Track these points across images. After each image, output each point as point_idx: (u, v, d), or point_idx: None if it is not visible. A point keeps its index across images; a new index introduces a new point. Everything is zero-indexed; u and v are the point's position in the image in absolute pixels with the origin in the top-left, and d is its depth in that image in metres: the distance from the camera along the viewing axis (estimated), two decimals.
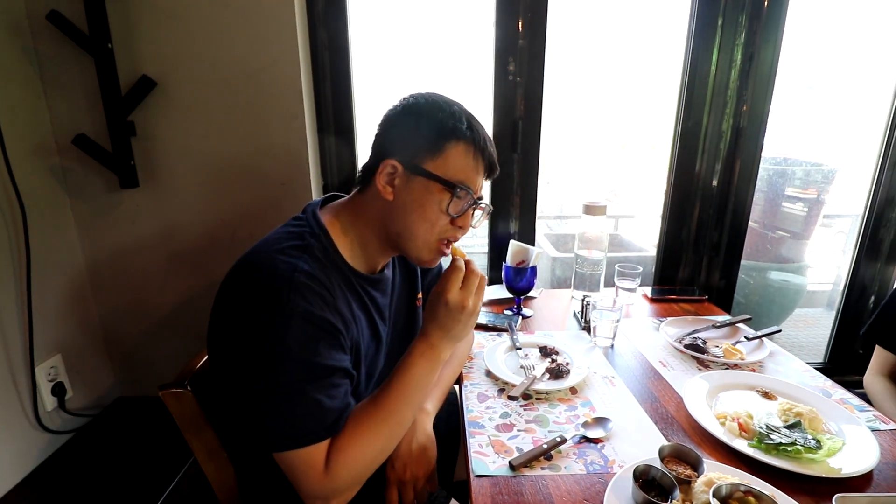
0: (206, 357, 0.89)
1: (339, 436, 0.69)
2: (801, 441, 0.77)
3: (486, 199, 0.85)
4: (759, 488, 0.65)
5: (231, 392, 0.72)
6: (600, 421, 0.86)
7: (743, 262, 1.64)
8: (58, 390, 1.34)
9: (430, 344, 0.77)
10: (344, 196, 0.87)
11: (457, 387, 1.03)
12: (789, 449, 0.76)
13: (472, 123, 0.77)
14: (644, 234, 2.34)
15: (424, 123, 0.76)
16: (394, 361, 0.86)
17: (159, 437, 1.42)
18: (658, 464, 0.70)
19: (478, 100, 1.51)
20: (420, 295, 1.02)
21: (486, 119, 1.48)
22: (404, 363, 0.76)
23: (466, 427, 0.86)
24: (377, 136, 0.81)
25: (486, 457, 0.79)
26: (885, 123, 1.54)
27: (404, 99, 0.80)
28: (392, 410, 0.73)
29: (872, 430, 0.83)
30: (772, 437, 0.78)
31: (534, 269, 1.32)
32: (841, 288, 1.76)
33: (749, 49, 1.44)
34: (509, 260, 1.35)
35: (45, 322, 1.30)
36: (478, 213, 0.84)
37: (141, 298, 1.47)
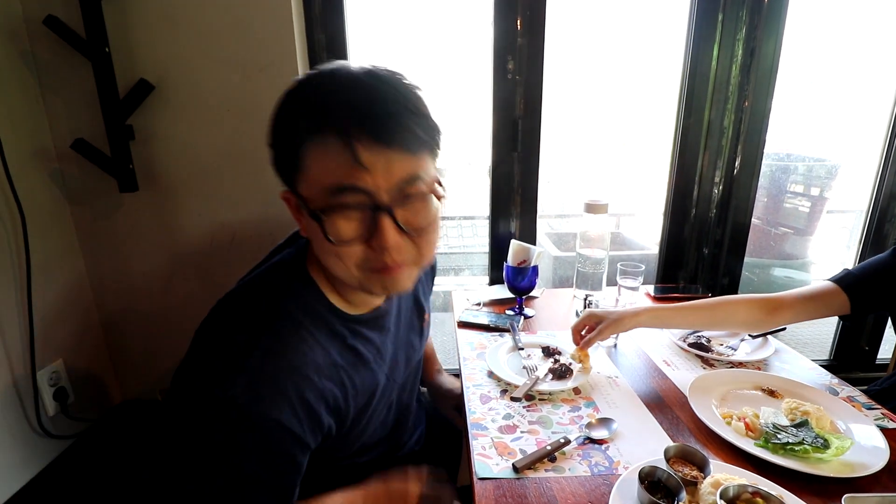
0: None
1: None
2: (809, 440, 0.76)
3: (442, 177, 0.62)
4: (766, 489, 0.64)
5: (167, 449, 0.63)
6: (604, 422, 0.85)
7: (746, 259, 1.62)
8: (60, 395, 1.34)
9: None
10: None
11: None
12: (797, 448, 0.75)
13: (330, 98, 0.54)
14: (646, 232, 2.33)
15: (277, 130, 0.59)
16: (391, 393, 0.82)
17: (163, 440, 1.41)
18: (664, 465, 0.69)
19: (477, 99, 1.50)
20: (427, 316, 0.93)
21: (485, 118, 1.48)
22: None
23: (469, 429, 0.86)
24: None
25: (489, 459, 0.78)
26: (889, 117, 1.53)
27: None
28: None
29: (881, 429, 0.82)
30: (779, 436, 0.77)
31: (535, 268, 1.31)
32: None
33: (750, 44, 1.43)
34: (510, 259, 1.34)
35: (46, 327, 1.29)
36: (433, 201, 0.60)
37: (142, 302, 1.46)
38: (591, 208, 1.37)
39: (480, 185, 1.59)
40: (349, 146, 0.52)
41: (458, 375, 1.07)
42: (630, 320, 1.01)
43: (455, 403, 1.07)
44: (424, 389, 1.18)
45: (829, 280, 1.02)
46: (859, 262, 1.64)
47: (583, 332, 1.04)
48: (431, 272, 1.00)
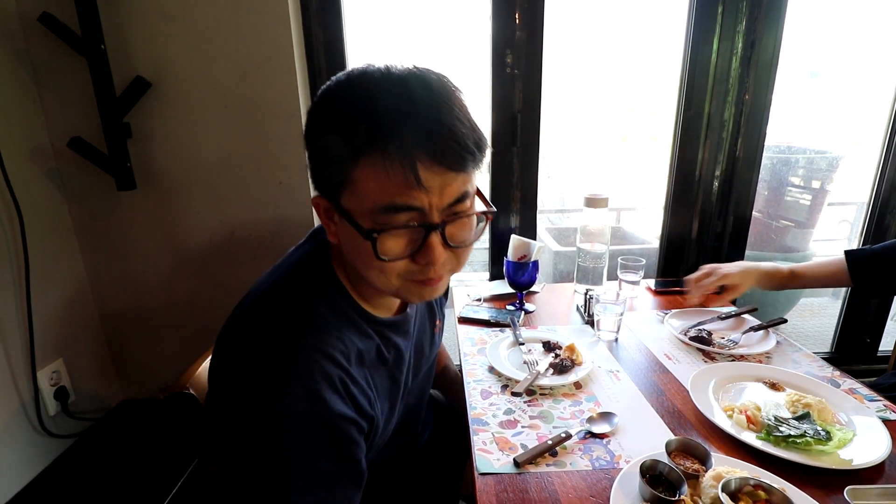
0: (209, 359, 0.88)
1: None
2: (811, 432, 0.76)
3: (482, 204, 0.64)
4: (768, 482, 0.63)
5: (223, 449, 0.59)
6: (605, 416, 0.85)
7: (747, 252, 1.62)
8: (60, 395, 1.34)
9: None
10: None
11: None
12: (799, 441, 0.75)
13: (382, 115, 0.51)
14: (646, 226, 2.32)
15: (325, 142, 0.54)
16: (405, 399, 0.80)
17: (164, 439, 1.42)
18: (665, 458, 0.69)
19: (476, 94, 1.49)
20: (438, 322, 0.93)
21: (484, 113, 1.47)
22: None
23: (470, 424, 0.85)
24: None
25: (490, 454, 0.78)
26: (890, 109, 1.52)
27: (318, 97, 0.58)
28: None
29: (883, 420, 0.82)
30: (780, 429, 0.77)
31: (535, 263, 1.31)
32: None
33: (750, 36, 1.42)
34: (510, 255, 1.34)
35: (45, 327, 1.29)
36: (459, 229, 0.59)
37: (142, 300, 1.46)
38: (592, 202, 1.36)
39: (480, 181, 1.58)
40: (410, 168, 0.50)
41: (459, 371, 1.06)
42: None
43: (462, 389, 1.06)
44: (433, 391, 1.18)
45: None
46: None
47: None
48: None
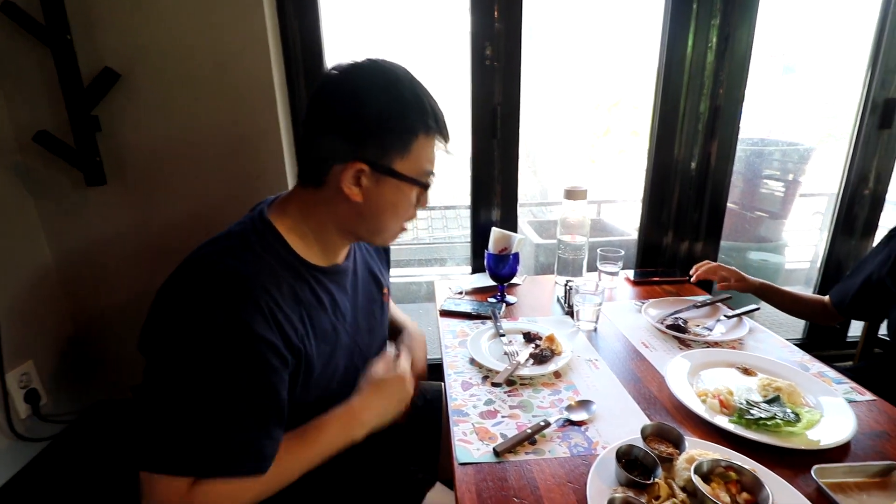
0: None
1: (223, 485, 0.64)
2: (781, 415, 0.78)
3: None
4: (739, 463, 0.65)
5: (148, 394, 0.66)
6: (584, 404, 0.86)
7: (723, 242, 1.66)
8: (31, 397, 1.30)
9: (354, 412, 0.76)
10: None
11: (441, 384, 1.02)
12: (769, 423, 0.77)
13: (436, 111, 0.74)
14: (626, 218, 2.36)
15: (391, 118, 0.69)
16: (358, 361, 0.86)
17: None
18: (640, 443, 0.70)
19: (456, 87, 1.49)
20: (386, 290, 0.99)
21: (464, 106, 1.46)
22: (318, 421, 0.74)
23: (450, 415, 0.86)
24: (325, 124, 0.70)
25: (470, 444, 0.78)
26: (858, 102, 1.56)
27: (352, 81, 0.70)
28: (286, 467, 0.69)
29: (849, 402, 0.85)
30: (752, 412, 0.79)
31: (516, 255, 1.31)
32: (818, 265, 1.79)
33: (724, 30, 1.44)
34: (491, 247, 1.35)
35: (13, 327, 1.25)
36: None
37: (116, 299, 1.42)
38: (571, 194, 1.37)
39: (461, 175, 1.58)
40: (441, 142, 0.76)
41: (440, 365, 1.06)
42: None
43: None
44: None
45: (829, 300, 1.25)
46: (830, 244, 1.69)
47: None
48: (385, 251, 1.04)
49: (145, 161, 1.31)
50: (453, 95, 1.52)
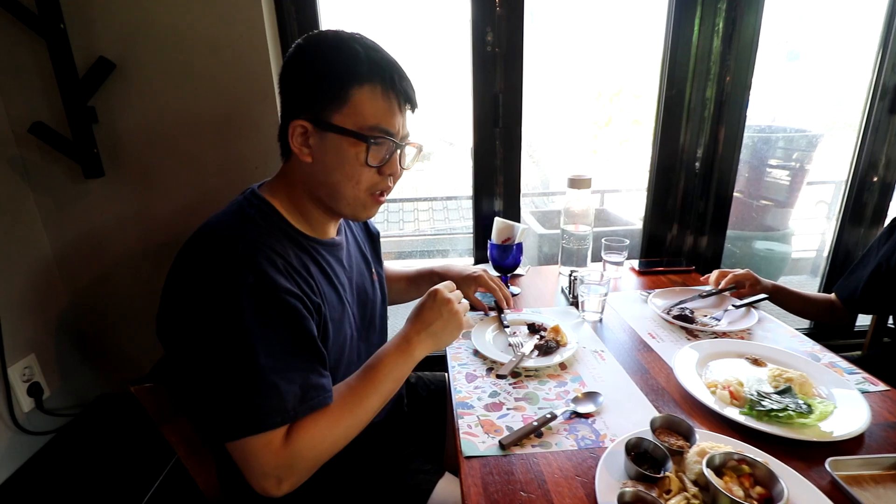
0: None
1: (311, 418, 0.67)
2: (793, 406, 0.76)
3: (415, 137, 0.81)
4: (752, 456, 0.64)
5: (187, 381, 0.68)
6: (590, 395, 0.84)
7: (728, 231, 1.63)
8: (34, 391, 1.29)
9: (407, 337, 0.79)
10: None
11: (446, 374, 1.01)
12: (781, 415, 0.75)
13: (374, 60, 0.71)
14: (630, 208, 2.33)
15: (321, 72, 0.70)
16: (356, 332, 0.87)
17: (144, 433, 1.38)
18: (650, 436, 0.69)
19: (457, 77, 1.46)
20: (375, 271, 1.00)
21: (465, 93, 1.44)
22: (378, 353, 0.77)
23: (455, 408, 0.84)
24: (280, 94, 0.75)
25: (475, 437, 0.77)
26: (868, 87, 1.53)
27: (297, 45, 0.73)
28: (359, 399, 0.72)
29: (862, 392, 0.83)
30: (763, 403, 0.78)
31: (520, 245, 1.29)
32: (825, 254, 1.77)
33: (731, 14, 1.41)
34: (494, 237, 1.33)
35: (15, 321, 1.24)
36: (409, 153, 0.81)
37: (116, 292, 1.41)
38: (575, 183, 1.35)
39: (463, 166, 1.56)
40: (395, 98, 0.72)
41: (443, 357, 1.05)
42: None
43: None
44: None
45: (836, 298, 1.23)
46: (839, 233, 1.66)
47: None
48: (371, 234, 1.04)
49: (143, 152, 1.29)
50: (455, 85, 1.49)
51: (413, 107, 0.77)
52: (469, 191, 1.58)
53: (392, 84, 0.71)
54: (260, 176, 1.32)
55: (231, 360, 0.62)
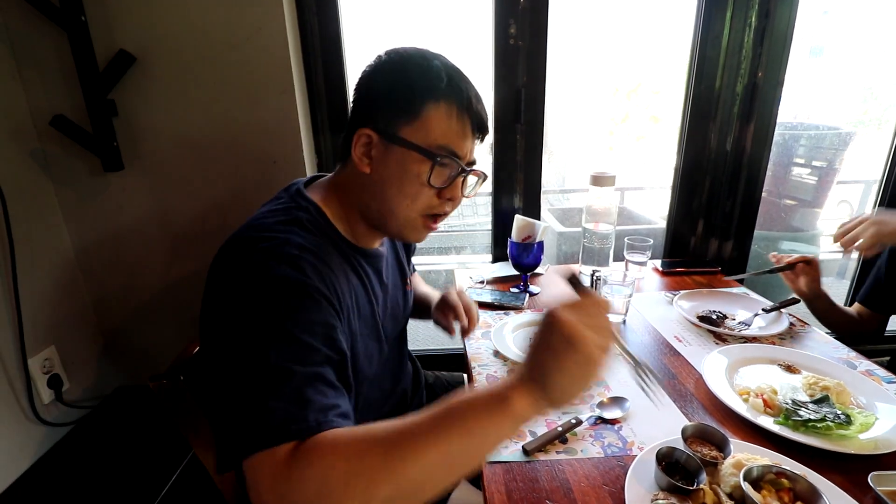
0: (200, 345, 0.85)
1: (330, 436, 0.50)
2: (831, 416, 0.73)
3: (480, 165, 0.78)
4: (792, 469, 0.60)
5: (215, 382, 0.61)
6: (616, 401, 0.82)
7: (755, 231, 1.58)
8: (54, 382, 1.30)
9: (510, 384, 0.51)
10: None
11: (465, 375, 0.98)
12: (819, 425, 0.72)
13: (453, 79, 0.69)
14: (651, 206, 2.28)
15: (398, 84, 0.68)
16: (384, 346, 0.84)
17: (162, 426, 1.39)
18: (681, 445, 0.66)
19: (478, 70, 1.43)
20: (409, 280, 0.98)
21: (486, 87, 1.41)
22: (460, 397, 0.52)
23: None
24: (353, 101, 0.74)
25: None
26: None
27: (378, 57, 0.72)
28: (406, 440, 0.48)
29: None
30: (799, 412, 0.74)
31: (541, 244, 1.27)
32: (854, 255, 1.70)
33: (765, 6, 1.35)
34: (514, 236, 1.30)
35: (35, 313, 1.25)
36: (470, 180, 0.77)
37: (135, 285, 1.42)
38: (598, 181, 1.32)
39: (483, 160, 1.53)
40: (469, 122, 0.70)
41: (462, 355, 1.03)
42: None
43: (435, 304, 1.05)
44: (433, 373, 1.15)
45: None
46: None
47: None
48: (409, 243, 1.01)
49: (162, 146, 1.29)
50: (476, 77, 1.45)
51: (483, 135, 0.74)
52: (487, 187, 1.55)
53: (468, 107, 0.69)
54: (279, 170, 1.32)
55: (241, 357, 0.55)
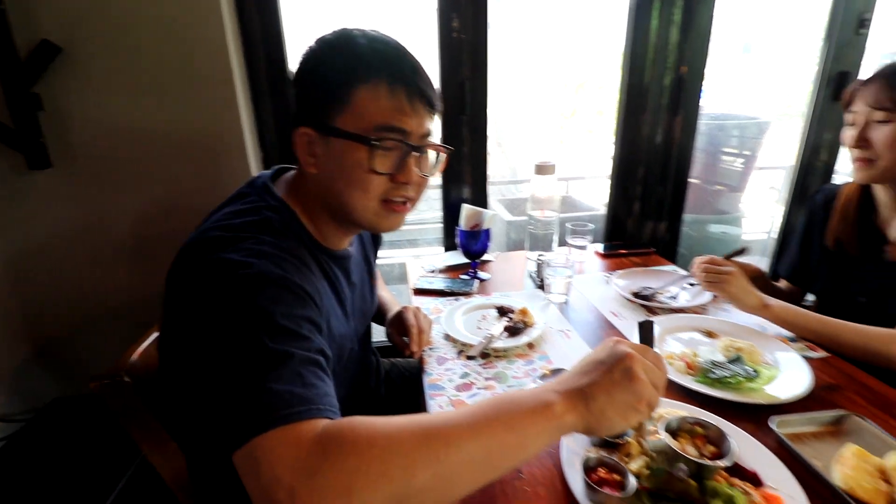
0: (144, 346, 0.83)
1: (366, 421, 0.47)
2: (742, 373, 0.82)
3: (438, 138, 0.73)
4: (704, 419, 0.68)
5: (190, 384, 0.61)
6: (557, 372, 0.87)
7: (686, 216, 1.70)
8: None
9: (565, 392, 0.51)
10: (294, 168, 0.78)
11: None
12: (731, 381, 0.80)
13: (380, 54, 0.65)
14: (594, 194, 2.40)
15: (324, 74, 0.65)
16: (353, 344, 0.84)
17: (104, 435, 1.33)
18: None
19: (425, 60, 1.45)
20: (376, 272, 0.99)
21: (432, 80, 1.43)
22: (508, 395, 0.52)
23: (426, 391, 0.86)
24: (294, 99, 0.71)
25: None
26: (815, 75, 1.62)
27: (307, 48, 0.69)
28: (453, 428, 0.47)
29: (804, 358, 0.89)
30: (715, 371, 0.83)
31: (488, 231, 1.31)
32: (774, 235, 1.87)
33: (689, 3, 1.46)
34: (463, 224, 1.34)
35: None
36: (430, 157, 0.73)
37: (70, 290, 1.35)
38: (540, 169, 1.38)
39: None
40: (405, 94, 0.65)
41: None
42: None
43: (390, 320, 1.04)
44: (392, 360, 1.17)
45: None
46: (787, 215, 1.76)
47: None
48: (376, 235, 1.01)
49: (96, 143, 1.23)
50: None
51: (431, 105, 0.68)
52: (437, 180, 1.58)
53: (400, 80, 0.65)
54: (222, 166, 1.29)
55: (253, 345, 0.51)
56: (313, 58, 0.68)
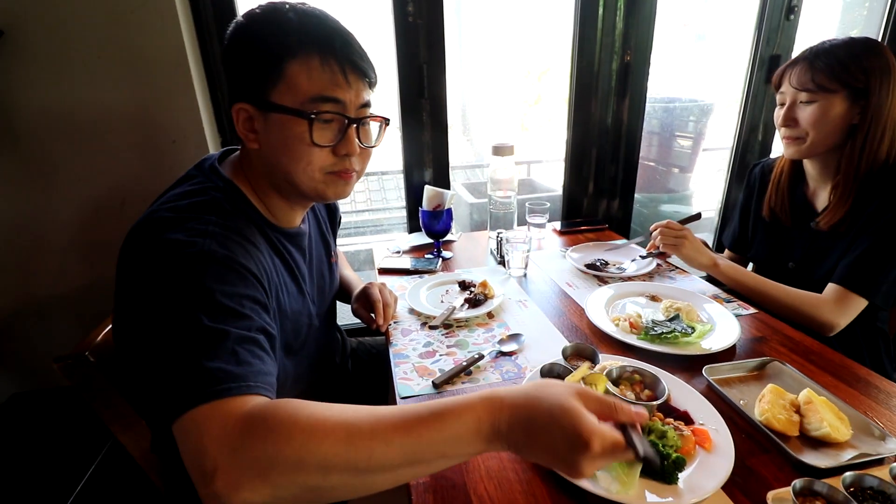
0: (108, 328, 0.84)
1: (291, 405, 0.48)
2: (679, 329, 0.90)
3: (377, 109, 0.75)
4: (641, 367, 0.75)
5: (139, 359, 0.60)
6: (514, 337, 0.93)
7: (639, 194, 1.80)
8: None
9: (493, 419, 0.49)
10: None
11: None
12: (669, 336, 0.88)
13: (308, 27, 0.66)
14: (553, 177, 2.48)
15: (255, 48, 0.66)
16: (314, 321, 0.87)
17: (67, 428, 1.31)
18: (562, 361, 0.79)
19: (380, 49, 1.47)
20: (333, 254, 1.01)
21: (390, 65, 1.46)
22: (444, 402, 0.50)
23: (392, 359, 0.90)
24: (226, 78, 0.71)
25: (410, 381, 0.83)
26: (749, 58, 1.73)
27: (234, 23, 0.69)
28: (369, 429, 0.46)
29: (736, 315, 0.98)
30: (655, 329, 0.90)
31: (449, 211, 1.36)
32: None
33: None
34: (425, 205, 1.38)
35: None
36: (372, 128, 0.75)
37: (21, 283, 1.31)
38: (499, 151, 1.43)
39: (390, 136, 1.58)
40: (338, 65, 0.66)
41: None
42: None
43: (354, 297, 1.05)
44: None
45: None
46: (727, 191, 1.89)
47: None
48: (333, 213, 1.04)
49: (41, 128, 1.19)
50: (383, 59, 1.49)
51: (365, 75, 0.69)
52: (398, 164, 1.61)
53: (331, 52, 0.65)
54: (180, 151, 1.28)
55: (195, 321, 0.53)
56: (243, 33, 0.68)
